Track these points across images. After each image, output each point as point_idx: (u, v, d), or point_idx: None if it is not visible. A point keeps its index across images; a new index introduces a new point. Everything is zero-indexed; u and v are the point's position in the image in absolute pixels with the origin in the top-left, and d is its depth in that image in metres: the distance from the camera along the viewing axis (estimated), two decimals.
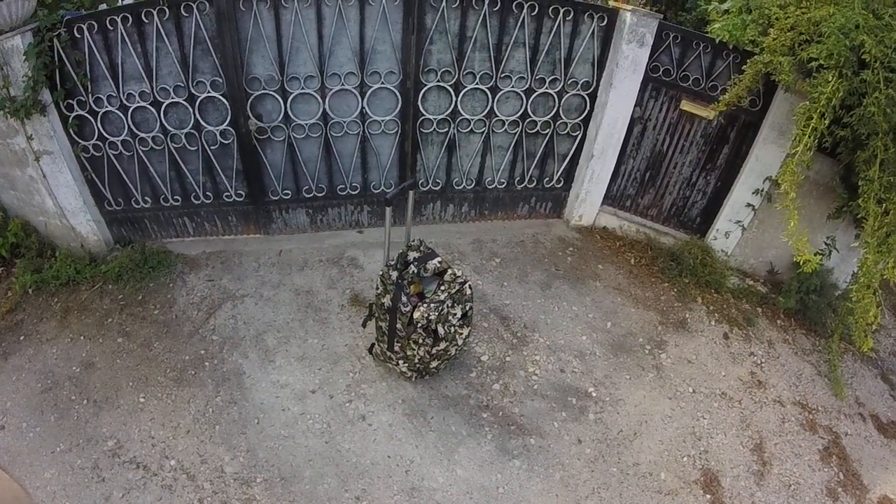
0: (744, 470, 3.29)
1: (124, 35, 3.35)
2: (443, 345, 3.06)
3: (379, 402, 3.31)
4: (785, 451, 3.41)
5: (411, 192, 3.11)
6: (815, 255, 3.92)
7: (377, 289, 3.07)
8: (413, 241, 3.14)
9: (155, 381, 3.34)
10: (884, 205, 3.22)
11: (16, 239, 3.87)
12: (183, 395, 3.29)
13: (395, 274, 2.98)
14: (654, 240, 4.48)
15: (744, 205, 4.08)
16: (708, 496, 3.15)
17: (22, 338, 3.57)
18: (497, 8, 3.64)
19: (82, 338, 3.55)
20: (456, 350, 3.21)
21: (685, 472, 3.23)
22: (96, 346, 3.51)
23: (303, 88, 3.68)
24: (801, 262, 3.31)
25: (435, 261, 3.06)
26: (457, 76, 3.82)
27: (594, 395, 3.50)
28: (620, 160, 4.27)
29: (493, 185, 4.42)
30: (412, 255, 3.07)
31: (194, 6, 3.33)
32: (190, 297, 3.81)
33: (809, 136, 3.21)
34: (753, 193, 4.02)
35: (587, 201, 4.47)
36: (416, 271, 3.02)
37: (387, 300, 3.00)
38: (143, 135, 3.69)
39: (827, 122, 3.16)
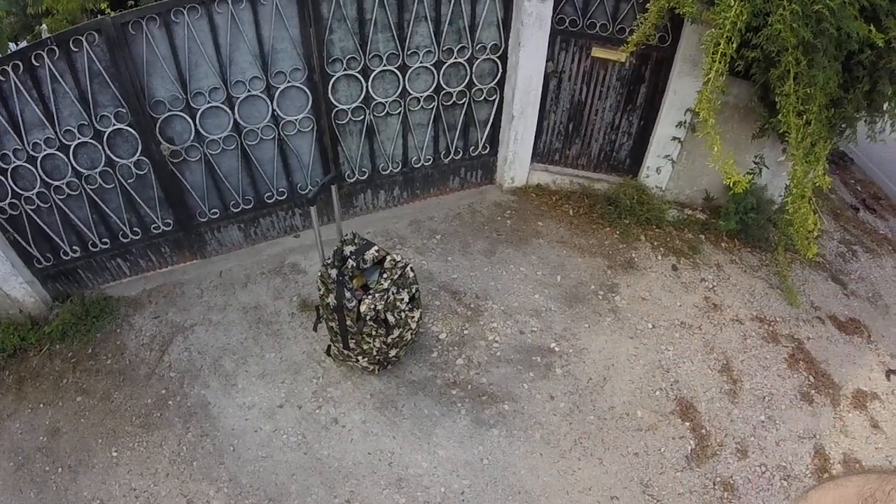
0: (716, 392, 3.35)
1: (17, 83, 3.12)
2: (396, 332, 2.99)
3: (348, 402, 3.24)
4: (752, 366, 3.48)
5: (334, 187, 3.00)
6: (745, 174, 3.96)
7: (319, 290, 2.97)
8: (346, 235, 3.04)
9: (123, 432, 3.19)
10: (804, 116, 3.26)
11: None
12: (154, 440, 3.15)
13: (333, 272, 2.89)
14: (588, 188, 4.48)
15: (669, 139, 4.10)
16: (687, 423, 3.20)
17: None
18: None
19: (42, 405, 3.36)
20: (412, 335, 3.15)
21: (660, 406, 3.27)
22: (57, 411, 3.32)
23: (209, 102, 3.50)
24: (731, 185, 3.34)
25: (372, 250, 2.98)
26: (363, 61, 3.69)
27: (557, 349, 3.50)
28: (542, 116, 4.23)
29: (420, 164, 4.33)
30: (348, 249, 2.98)
31: (83, 38, 3.11)
32: (139, 339, 3.64)
33: (719, 62, 3.21)
34: (677, 126, 4.04)
35: (516, 162, 4.43)
36: (354, 265, 2.93)
37: (331, 300, 2.90)
38: (56, 183, 3.47)
39: (735, 45, 3.16)
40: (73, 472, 3.07)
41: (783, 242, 4.01)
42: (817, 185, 3.43)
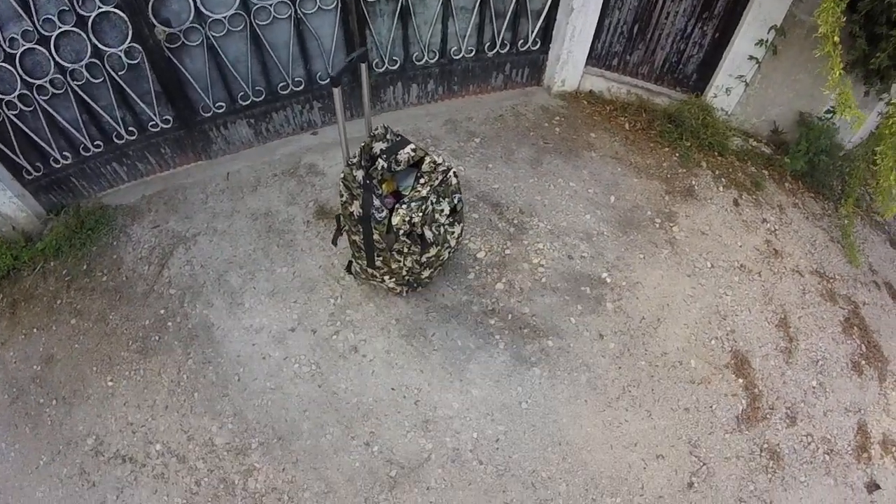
0: (772, 348, 2.76)
1: None
2: (433, 250, 2.29)
3: (370, 328, 2.61)
4: (809, 325, 2.88)
5: (363, 66, 2.20)
6: (825, 112, 3.24)
7: (342, 196, 2.24)
8: (376, 129, 2.27)
9: (119, 359, 2.63)
10: None
11: None
12: (152, 367, 2.59)
13: (360, 173, 2.16)
14: (647, 101, 3.64)
15: (746, 58, 3.26)
16: (740, 380, 2.64)
17: None
18: None
19: (35, 330, 2.77)
20: (449, 253, 2.46)
21: (715, 357, 2.68)
22: (51, 336, 2.74)
23: None
24: (848, 118, 2.59)
25: (407, 149, 2.23)
26: None
27: (609, 281, 2.83)
28: (604, 12, 3.34)
29: (461, 55, 3.46)
30: (378, 146, 2.23)
31: None
32: (137, 252, 2.97)
33: None
34: (756, 45, 3.19)
35: (569, 63, 3.56)
36: (385, 166, 2.19)
37: (355, 208, 2.18)
38: (39, 82, 2.71)
39: None
40: (68, 404, 2.55)
41: (854, 194, 3.26)
42: None
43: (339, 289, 2.73)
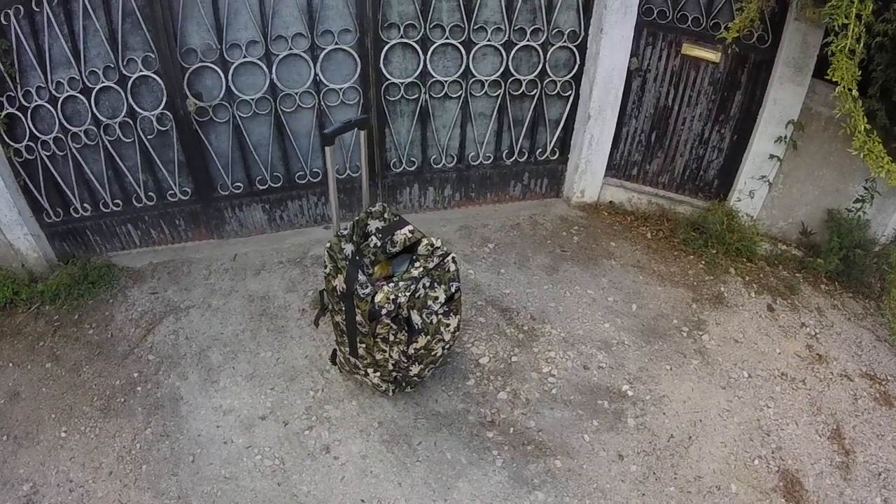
0: (826, 464, 2.13)
1: (51, 16, 2.40)
2: (422, 340, 1.83)
3: (348, 428, 2.10)
4: (866, 434, 2.26)
5: (362, 134, 1.94)
6: (854, 202, 2.83)
7: (325, 267, 1.86)
8: (374, 206, 1.95)
9: (80, 412, 2.26)
10: None
11: None
12: (108, 428, 2.18)
13: (349, 247, 1.80)
14: (668, 210, 3.25)
15: (766, 157, 2.92)
16: None
17: None
18: None
19: (11, 365, 2.49)
20: (443, 349, 1.98)
21: (760, 479, 2.05)
22: (24, 374, 2.44)
23: (245, 56, 2.60)
24: (885, 176, 2.18)
25: (405, 230, 1.88)
26: (423, 30, 2.71)
27: (630, 394, 2.26)
28: (621, 121, 3.08)
29: (479, 161, 3.20)
30: (374, 224, 1.90)
31: None
32: (129, 313, 2.66)
33: (854, 26, 2.12)
34: (776, 142, 2.87)
35: (588, 172, 3.24)
36: (378, 245, 1.84)
37: (339, 282, 1.80)
38: (74, 129, 2.65)
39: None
40: (18, 444, 2.17)
41: (895, 288, 2.76)
42: None
43: (322, 381, 2.26)
